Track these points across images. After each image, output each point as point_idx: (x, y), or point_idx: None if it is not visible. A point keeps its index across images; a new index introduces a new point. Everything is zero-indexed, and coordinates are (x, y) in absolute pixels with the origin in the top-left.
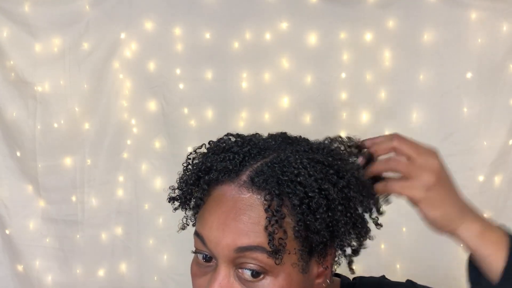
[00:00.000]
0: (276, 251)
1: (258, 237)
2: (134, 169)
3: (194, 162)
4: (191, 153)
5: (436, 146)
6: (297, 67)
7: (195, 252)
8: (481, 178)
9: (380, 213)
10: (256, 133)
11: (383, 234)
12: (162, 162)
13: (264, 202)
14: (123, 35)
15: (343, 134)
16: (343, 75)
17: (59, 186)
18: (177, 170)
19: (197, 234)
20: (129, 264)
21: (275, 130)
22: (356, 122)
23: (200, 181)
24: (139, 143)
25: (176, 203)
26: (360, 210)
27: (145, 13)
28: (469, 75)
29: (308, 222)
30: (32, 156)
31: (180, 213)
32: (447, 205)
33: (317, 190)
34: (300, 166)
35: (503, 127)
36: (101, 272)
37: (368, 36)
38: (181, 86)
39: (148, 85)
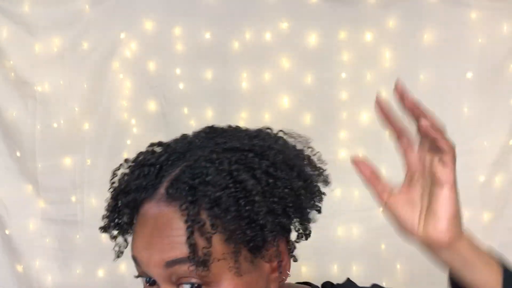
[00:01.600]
0: (202, 262)
1: (183, 248)
2: None
3: (113, 185)
4: (113, 176)
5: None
6: (297, 67)
7: (137, 277)
8: (481, 178)
9: (322, 193)
10: (183, 134)
11: (383, 234)
12: None
13: (182, 213)
14: (123, 35)
15: (343, 134)
16: (343, 75)
17: (58, 186)
18: None
19: (132, 258)
20: (129, 264)
21: (275, 130)
22: (356, 122)
23: (119, 206)
24: (139, 143)
25: (114, 232)
26: (298, 187)
27: (145, 13)
28: (469, 75)
29: (226, 223)
30: (31, 156)
31: None
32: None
33: (231, 184)
34: (208, 164)
35: (503, 127)
36: (100, 272)
37: (368, 36)
38: (181, 86)
39: (148, 85)
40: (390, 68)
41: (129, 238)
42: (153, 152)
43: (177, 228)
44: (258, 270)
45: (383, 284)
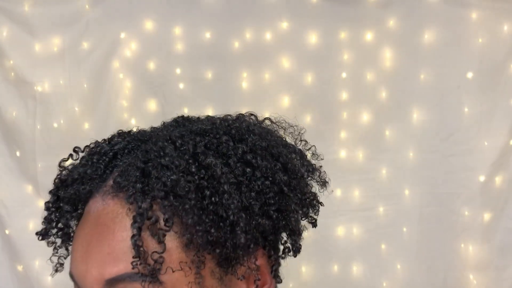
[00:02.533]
0: (150, 272)
1: (128, 260)
2: None
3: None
4: (60, 170)
5: (437, 146)
6: (297, 67)
7: None
8: (482, 178)
9: (323, 187)
10: (151, 127)
11: (383, 235)
12: None
13: (129, 207)
14: (123, 35)
15: (343, 134)
16: (343, 75)
17: None
18: None
19: (69, 275)
20: None
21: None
22: (356, 122)
23: (59, 203)
24: None
25: (53, 239)
26: (282, 181)
27: (145, 13)
28: (469, 75)
29: (184, 218)
30: (31, 156)
31: None
32: None
33: (193, 168)
34: (166, 144)
35: (504, 127)
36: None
37: (369, 36)
38: (181, 86)
39: (148, 85)
40: (390, 68)
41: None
42: (110, 139)
43: (122, 229)
44: None
45: (383, 285)
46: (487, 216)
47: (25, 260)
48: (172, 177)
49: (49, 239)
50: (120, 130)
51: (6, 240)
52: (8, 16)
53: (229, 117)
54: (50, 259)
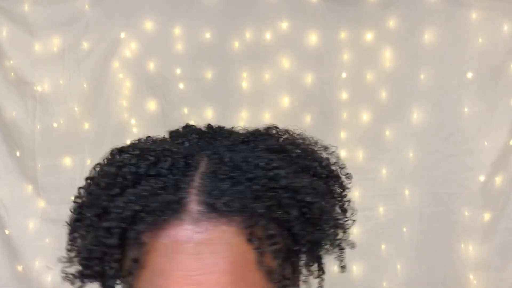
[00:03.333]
0: None
1: (256, 283)
2: None
3: (86, 215)
4: (77, 205)
5: (437, 146)
6: (297, 67)
7: None
8: (482, 178)
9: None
10: (148, 137)
11: (383, 235)
12: None
13: (243, 231)
14: (123, 35)
15: (343, 134)
16: (343, 75)
17: (58, 186)
18: None
19: None
20: None
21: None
22: (356, 122)
23: (129, 234)
24: None
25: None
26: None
27: (145, 13)
28: (469, 75)
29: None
30: (31, 156)
31: None
32: None
33: (281, 188)
34: (261, 157)
35: (504, 127)
36: None
37: (369, 36)
38: (181, 86)
39: (148, 85)
40: (390, 68)
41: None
42: (143, 157)
43: (241, 252)
44: None
45: (383, 285)
46: (487, 216)
47: (25, 260)
48: (283, 197)
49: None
50: (120, 147)
51: (6, 240)
52: (8, 16)
53: (259, 131)
54: None
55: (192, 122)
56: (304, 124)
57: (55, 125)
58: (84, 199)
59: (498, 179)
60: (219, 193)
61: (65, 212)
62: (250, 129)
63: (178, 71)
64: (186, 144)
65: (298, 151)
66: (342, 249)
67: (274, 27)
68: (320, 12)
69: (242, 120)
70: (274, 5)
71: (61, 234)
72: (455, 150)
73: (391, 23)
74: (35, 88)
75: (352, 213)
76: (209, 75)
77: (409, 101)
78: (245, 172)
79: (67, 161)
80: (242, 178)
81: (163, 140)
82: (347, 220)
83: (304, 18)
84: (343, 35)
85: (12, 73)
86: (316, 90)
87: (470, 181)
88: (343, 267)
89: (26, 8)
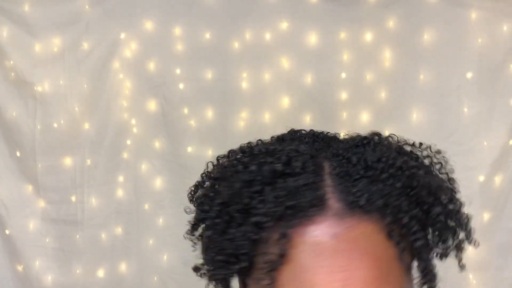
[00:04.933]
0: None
1: (399, 279)
2: (134, 169)
3: (227, 211)
4: (209, 202)
5: (436, 146)
6: (297, 67)
7: None
8: (481, 178)
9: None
10: (259, 140)
11: None
12: (162, 162)
13: (384, 228)
14: (123, 35)
15: (343, 135)
16: (343, 75)
17: (59, 186)
18: (177, 170)
19: None
20: (129, 264)
21: (275, 130)
22: (356, 122)
23: (275, 229)
24: (139, 143)
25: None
26: None
27: (145, 13)
28: (469, 75)
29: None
30: (32, 156)
31: (180, 214)
32: None
33: (411, 188)
34: (381, 167)
35: (503, 127)
36: (101, 272)
37: (368, 36)
38: (181, 86)
39: (148, 85)
40: (390, 68)
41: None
42: (277, 157)
43: (385, 247)
44: None
45: None
46: (487, 216)
47: (25, 260)
48: (405, 203)
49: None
50: (233, 149)
51: (6, 240)
52: (8, 16)
53: (360, 138)
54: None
55: (192, 122)
56: (304, 124)
57: (55, 125)
58: (216, 196)
59: (497, 179)
60: (358, 191)
61: (65, 212)
62: (351, 135)
63: (178, 71)
64: (302, 146)
65: (420, 153)
66: (462, 248)
67: (274, 27)
68: (320, 12)
69: (242, 120)
70: (274, 5)
71: (61, 234)
72: (455, 150)
73: (391, 23)
74: (35, 88)
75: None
76: (209, 75)
77: (409, 101)
78: (381, 172)
79: (67, 161)
80: (380, 177)
81: (278, 142)
82: (467, 219)
83: (304, 18)
84: (342, 35)
85: (12, 73)
86: (316, 90)
87: (470, 181)
88: (462, 266)
89: (26, 8)
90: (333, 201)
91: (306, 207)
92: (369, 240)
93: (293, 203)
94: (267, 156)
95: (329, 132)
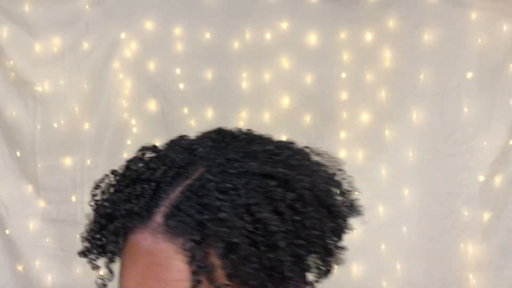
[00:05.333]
0: None
1: None
2: None
3: (97, 202)
4: (95, 188)
5: (437, 146)
6: (297, 67)
7: None
8: (481, 178)
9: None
10: (181, 137)
11: (383, 235)
12: None
13: (185, 253)
14: (123, 35)
15: (343, 134)
16: (343, 75)
17: (59, 186)
18: None
19: None
20: None
21: (275, 130)
22: (356, 122)
23: (105, 231)
24: (139, 143)
25: (94, 258)
26: (329, 228)
27: (145, 13)
28: (469, 75)
29: (242, 274)
30: (32, 156)
31: None
32: None
33: (250, 226)
34: (219, 194)
35: (503, 127)
36: (101, 272)
37: (368, 36)
38: (181, 86)
39: (148, 85)
40: (390, 68)
41: (114, 269)
42: (146, 162)
43: (178, 271)
44: None
45: (383, 285)
46: (486, 216)
47: (25, 260)
48: (233, 239)
49: (90, 258)
50: (146, 145)
51: (6, 240)
52: (8, 16)
53: (270, 147)
54: (95, 280)
55: (192, 122)
56: (304, 124)
57: (55, 125)
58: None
59: (497, 179)
60: (182, 214)
61: (65, 212)
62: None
63: (178, 71)
64: (199, 150)
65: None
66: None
67: (274, 27)
68: (320, 12)
69: (242, 120)
70: (274, 5)
71: (61, 234)
72: (455, 150)
73: (391, 23)
74: (35, 88)
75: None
76: (209, 75)
77: (409, 101)
78: (215, 199)
79: (67, 161)
80: (197, 205)
81: (177, 144)
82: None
83: (304, 18)
84: (342, 35)
85: (12, 73)
86: (316, 90)
87: (470, 181)
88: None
89: (26, 8)
90: (160, 216)
91: (126, 217)
92: (168, 259)
93: (111, 211)
94: (154, 161)
95: (252, 132)
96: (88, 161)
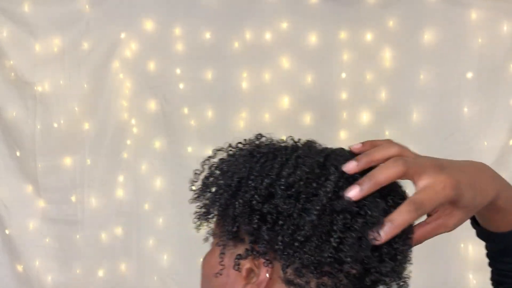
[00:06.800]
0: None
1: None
2: (134, 169)
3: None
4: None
5: (437, 146)
6: (297, 67)
7: None
8: None
9: None
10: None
11: None
12: (162, 162)
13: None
14: (123, 35)
15: (343, 135)
16: (343, 75)
17: (59, 186)
18: (177, 170)
19: None
20: (129, 264)
21: (275, 130)
22: (356, 122)
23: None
24: (139, 143)
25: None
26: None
27: (145, 13)
28: (469, 75)
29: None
30: (31, 156)
31: (180, 214)
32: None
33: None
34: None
35: (503, 127)
36: (101, 272)
37: (368, 36)
38: (181, 86)
39: (148, 85)
40: (390, 68)
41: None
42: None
43: None
44: (239, 269)
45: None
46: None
47: (25, 260)
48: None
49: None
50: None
51: (6, 240)
52: (8, 16)
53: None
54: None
55: (192, 122)
56: (304, 124)
57: (55, 125)
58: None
59: None
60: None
61: (65, 212)
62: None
63: (178, 71)
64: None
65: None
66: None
67: (274, 27)
68: (320, 12)
69: (242, 120)
70: (274, 5)
71: (61, 234)
72: (455, 150)
73: (391, 23)
74: (35, 88)
75: None
76: (209, 75)
77: (409, 101)
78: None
79: (67, 161)
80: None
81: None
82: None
83: (304, 18)
84: (342, 35)
85: (12, 73)
86: (316, 90)
87: None
88: None
89: (26, 8)
90: None
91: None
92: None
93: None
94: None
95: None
96: (88, 161)
